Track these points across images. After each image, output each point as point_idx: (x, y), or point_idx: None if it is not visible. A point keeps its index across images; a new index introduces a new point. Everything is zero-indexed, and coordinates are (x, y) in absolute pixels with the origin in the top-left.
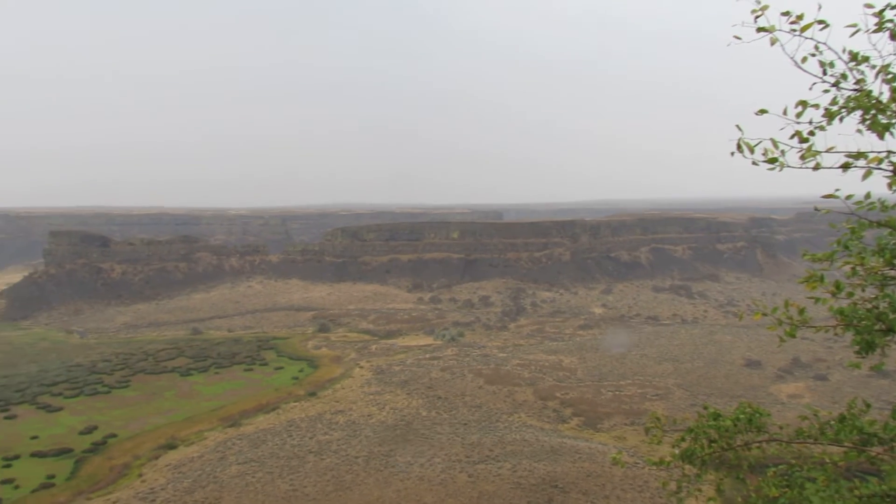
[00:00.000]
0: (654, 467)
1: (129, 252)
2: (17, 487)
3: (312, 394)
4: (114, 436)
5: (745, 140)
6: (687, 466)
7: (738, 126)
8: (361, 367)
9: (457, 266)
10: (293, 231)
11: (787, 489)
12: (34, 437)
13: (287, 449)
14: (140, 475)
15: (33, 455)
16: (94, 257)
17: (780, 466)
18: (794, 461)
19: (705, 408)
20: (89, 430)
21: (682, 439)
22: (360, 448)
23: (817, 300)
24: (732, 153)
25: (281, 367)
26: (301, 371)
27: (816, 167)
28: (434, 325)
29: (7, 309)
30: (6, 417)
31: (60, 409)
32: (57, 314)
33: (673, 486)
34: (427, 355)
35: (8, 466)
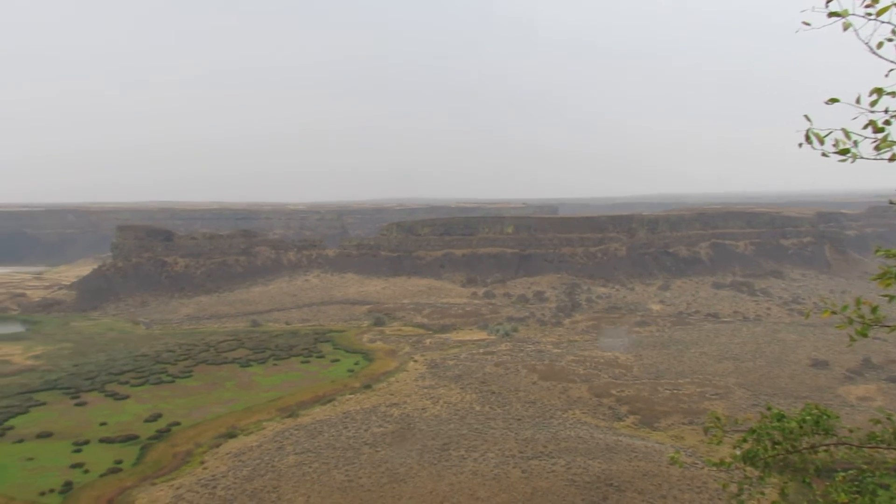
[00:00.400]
0: (714, 468)
1: (192, 246)
2: (86, 472)
3: (367, 386)
4: (177, 424)
5: (815, 130)
6: (749, 468)
7: (806, 116)
8: (415, 361)
9: (511, 261)
10: (349, 226)
11: (857, 495)
12: (103, 424)
13: (342, 440)
14: (202, 462)
15: (102, 441)
16: (159, 251)
17: (850, 472)
18: (865, 466)
19: (768, 408)
20: (154, 418)
21: (744, 440)
22: (414, 441)
23: (891, 298)
24: (800, 144)
25: (337, 360)
26: (356, 364)
27: (892, 158)
28: (488, 319)
29: (78, 300)
30: (77, 404)
31: (127, 397)
32: (124, 305)
33: (734, 488)
34: (481, 350)
35: (78, 451)
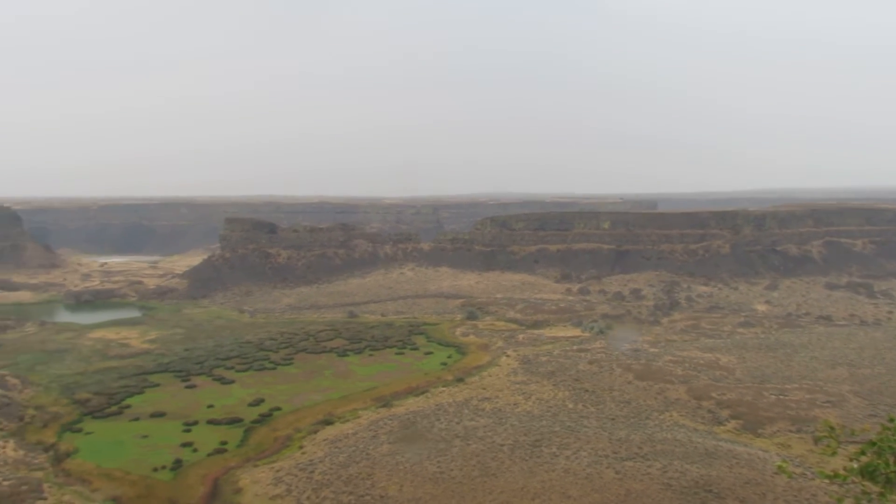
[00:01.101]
0: (827, 481)
1: (294, 238)
2: (195, 451)
3: (460, 380)
4: (278, 409)
5: None
6: (867, 483)
7: None
8: (508, 356)
9: (607, 257)
10: (444, 220)
11: None
12: (210, 406)
13: (435, 432)
14: (300, 447)
15: (209, 422)
16: (263, 243)
17: None
18: None
19: (891, 420)
20: (257, 403)
21: (862, 453)
22: (505, 436)
23: None
24: None
25: (430, 353)
26: (449, 357)
27: None
28: (582, 316)
29: (189, 288)
30: (187, 387)
31: (233, 381)
32: (231, 294)
33: (850, 503)
34: (574, 347)
35: (188, 431)
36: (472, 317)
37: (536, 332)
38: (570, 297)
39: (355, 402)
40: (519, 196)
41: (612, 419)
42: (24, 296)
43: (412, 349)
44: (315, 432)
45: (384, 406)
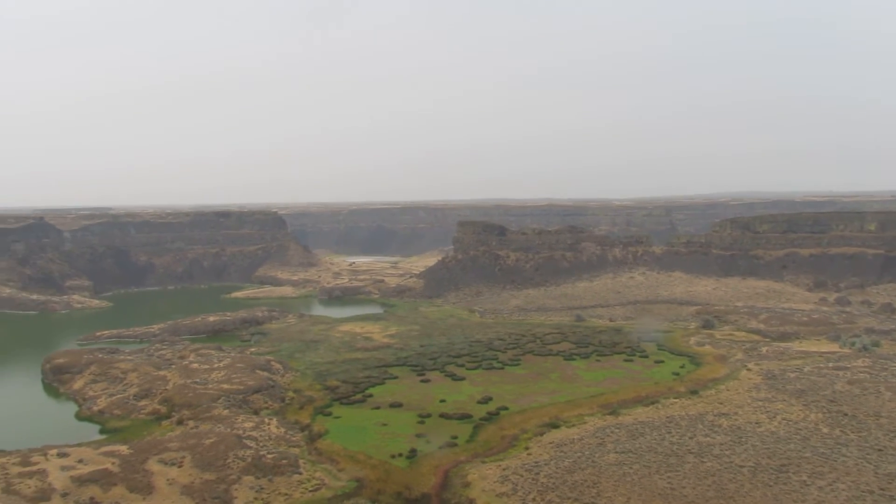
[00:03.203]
0: None
1: (523, 241)
2: (428, 442)
3: (694, 392)
4: (505, 408)
5: None
6: None
7: None
8: (749, 370)
9: (872, 263)
10: (678, 222)
11: None
12: (442, 401)
13: (665, 445)
14: (526, 448)
15: (441, 416)
16: (493, 245)
17: None
18: None
19: None
20: (485, 401)
21: None
22: (745, 457)
23: None
24: None
25: (661, 361)
26: (682, 367)
27: None
28: (840, 330)
29: (425, 287)
30: (422, 381)
31: (463, 378)
32: (462, 294)
33: None
34: (830, 364)
35: (422, 423)
36: (708, 325)
37: (783, 345)
38: (825, 308)
39: (581, 408)
40: (763, 195)
41: (879, 450)
42: (287, 290)
43: (641, 356)
44: (541, 434)
45: (611, 413)
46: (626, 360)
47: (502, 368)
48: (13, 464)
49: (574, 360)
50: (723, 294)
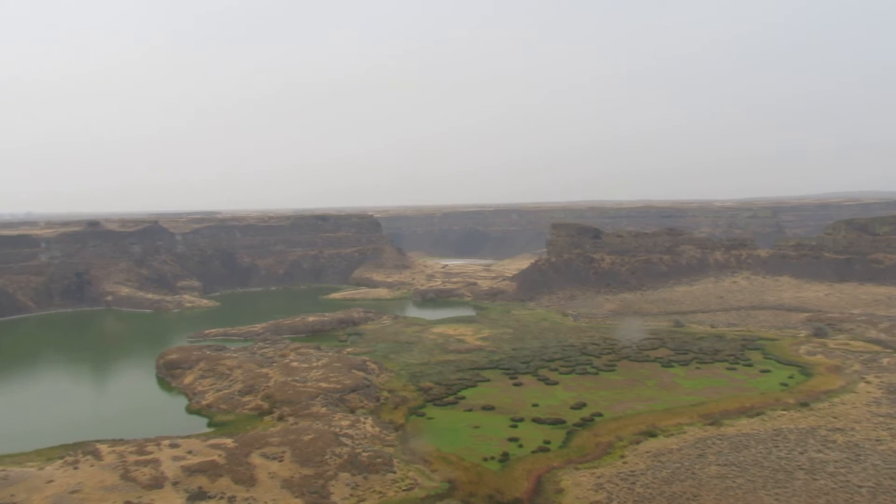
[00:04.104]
0: None
1: (618, 244)
2: (520, 446)
3: (804, 404)
4: (600, 415)
5: None
6: None
7: None
8: (868, 383)
9: None
10: (785, 224)
11: None
12: (535, 405)
13: (772, 460)
14: (622, 456)
15: (534, 420)
16: (588, 248)
17: None
18: None
19: None
20: (579, 406)
21: None
22: (864, 476)
23: None
24: None
25: (767, 371)
26: (791, 377)
27: None
28: None
29: (517, 290)
30: (514, 384)
31: (556, 383)
32: (556, 298)
33: None
34: None
35: (514, 427)
36: (820, 333)
37: None
38: None
39: (680, 417)
40: (882, 195)
41: None
42: (382, 292)
43: (745, 365)
44: (637, 443)
45: (712, 424)
46: (728, 369)
47: (596, 374)
48: (130, 452)
49: (672, 366)
50: (837, 301)
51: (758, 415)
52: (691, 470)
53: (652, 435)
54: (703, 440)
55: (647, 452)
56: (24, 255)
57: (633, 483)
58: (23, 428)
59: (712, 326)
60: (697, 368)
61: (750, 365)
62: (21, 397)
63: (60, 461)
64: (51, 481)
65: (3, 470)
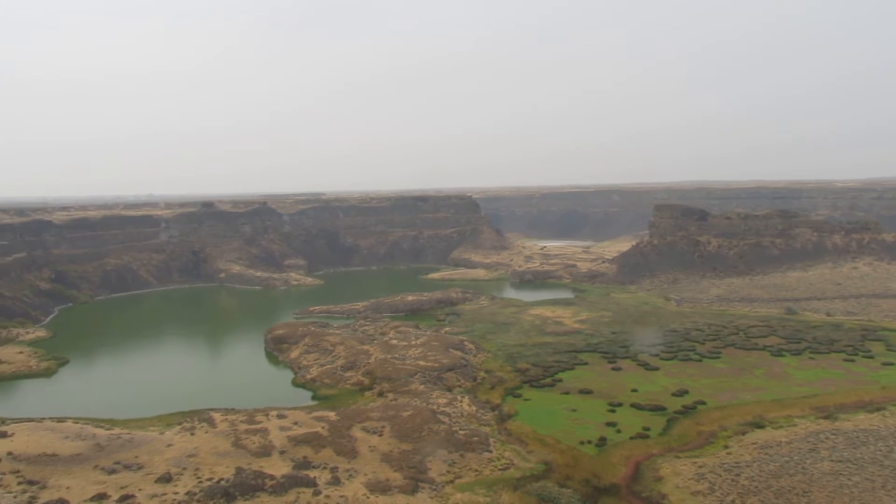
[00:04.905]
0: None
1: (726, 226)
2: (618, 431)
3: None
4: (703, 403)
5: None
6: None
7: None
8: None
9: None
10: None
11: None
12: (633, 390)
13: (894, 458)
14: (725, 446)
15: (632, 406)
16: (693, 230)
17: None
18: None
19: None
20: (680, 393)
21: None
22: None
23: None
24: None
25: (890, 363)
26: None
27: None
28: None
29: (617, 273)
30: (613, 368)
31: (657, 368)
32: (657, 281)
33: None
34: None
35: (612, 411)
36: None
37: None
38: None
39: (790, 409)
40: None
41: None
42: (479, 273)
43: (865, 356)
44: (742, 433)
45: (826, 417)
46: (846, 360)
47: (700, 361)
48: (241, 421)
49: (783, 356)
50: None
51: (878, 410)
52: (802, 464)
53: (759, 426)
54: (816, 434)
55: (754, 444)
56: (146, 234)
57: (738, 475)
58: (145, 396)
59: (828, 315)
60: (811, 359)
61: (871, 357)
62: (144, 367)
63: (179, 427)
64: (170, 445)
65: (129, 433)
